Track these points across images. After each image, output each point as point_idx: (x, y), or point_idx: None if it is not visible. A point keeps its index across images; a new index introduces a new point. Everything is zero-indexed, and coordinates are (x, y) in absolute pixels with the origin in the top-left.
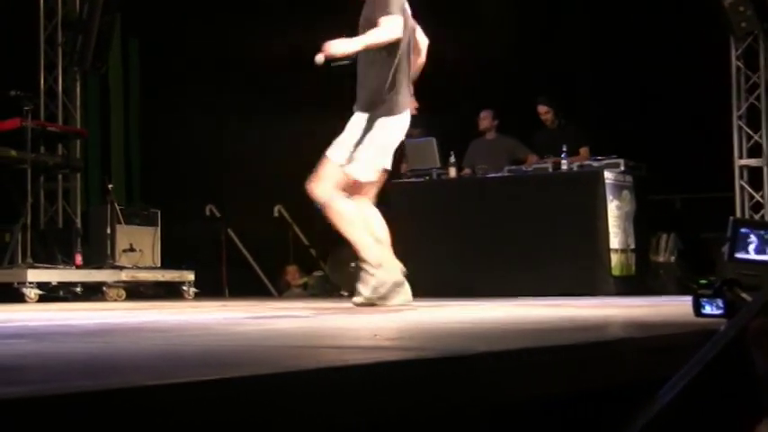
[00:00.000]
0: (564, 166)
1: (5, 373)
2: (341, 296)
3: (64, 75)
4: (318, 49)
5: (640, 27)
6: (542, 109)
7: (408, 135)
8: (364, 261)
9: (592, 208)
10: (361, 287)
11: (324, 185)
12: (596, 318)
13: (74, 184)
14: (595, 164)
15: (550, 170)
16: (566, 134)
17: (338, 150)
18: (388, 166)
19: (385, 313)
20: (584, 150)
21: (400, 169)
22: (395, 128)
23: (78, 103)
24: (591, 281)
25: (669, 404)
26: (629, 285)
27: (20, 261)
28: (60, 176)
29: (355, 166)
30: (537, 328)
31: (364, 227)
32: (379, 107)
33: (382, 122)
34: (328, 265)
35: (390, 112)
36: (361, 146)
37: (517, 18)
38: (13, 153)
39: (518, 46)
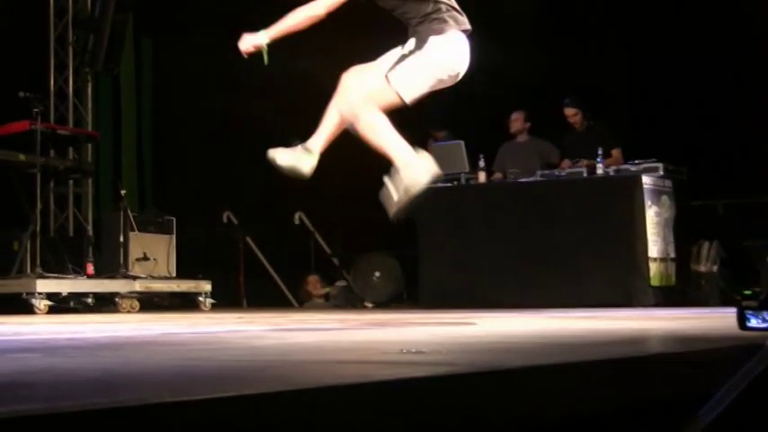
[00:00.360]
0: (599, 170)
1: (15, 389)
2: (365, 307)
3: (75, 75)
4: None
5: (678, 26)
6: (570, 111)
7: (434, 138)
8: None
9: (629, 214)
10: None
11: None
12: (634, 331)
13: (85, 189)
14: (633, 168)
15: (585, 174)
16: (595, 136)
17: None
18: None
19: (412, 327)
20: (616, 152)
21: None
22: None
23: (90, 105)
24: (628, 291)
25: (712, 423)
26: (669, 296)
27: (29, 270)
28: (71, 181)
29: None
30: (571, 342)
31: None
32: None
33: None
34: (352, 275)
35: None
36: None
37: (548, 17)
38: (22, 157)
39: (549, 46)
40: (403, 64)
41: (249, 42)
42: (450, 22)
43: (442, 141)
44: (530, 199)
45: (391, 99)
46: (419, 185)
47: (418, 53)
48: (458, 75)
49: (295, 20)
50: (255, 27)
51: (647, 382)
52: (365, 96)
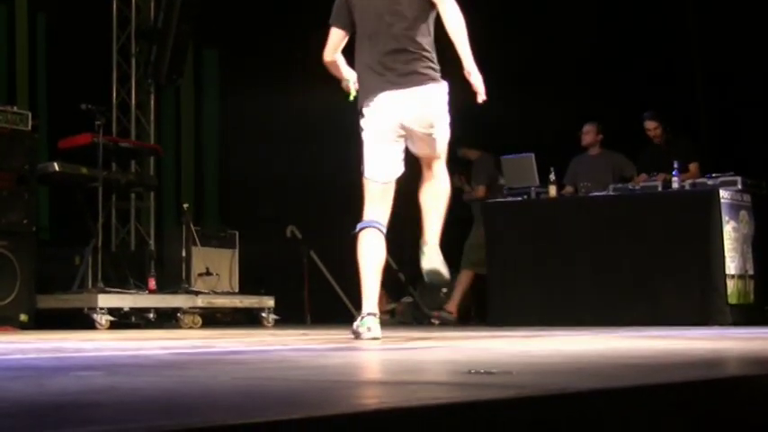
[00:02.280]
0: (675, 184)
1: (81, 410)
2: (432, 324)
3: (137, 87)
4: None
5: (755, 33)
6: (651, 125)
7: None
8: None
9: (706, 230)
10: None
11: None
12: (710, 351)
13: (147, 203)
14: (710, 182)
15: (660, 189)
16: (676, 149)
17: None
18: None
19: (481, 346)
20: (693, 166)
21: None
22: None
23: (152, 118)
24: (704, 310)
25: None
26: (748, 315)
27: (90, 285)
28: (133, 195)
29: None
30: (645, 363)
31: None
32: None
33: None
34: (418, 291)
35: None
36: None
37: (622, 25)
38: (84, 170)
39: (623, 54)
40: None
41: (345, 86)
42: None
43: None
44: (602, 214)
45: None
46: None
47: None
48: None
49: (334, 70)
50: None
51: (725, 407)
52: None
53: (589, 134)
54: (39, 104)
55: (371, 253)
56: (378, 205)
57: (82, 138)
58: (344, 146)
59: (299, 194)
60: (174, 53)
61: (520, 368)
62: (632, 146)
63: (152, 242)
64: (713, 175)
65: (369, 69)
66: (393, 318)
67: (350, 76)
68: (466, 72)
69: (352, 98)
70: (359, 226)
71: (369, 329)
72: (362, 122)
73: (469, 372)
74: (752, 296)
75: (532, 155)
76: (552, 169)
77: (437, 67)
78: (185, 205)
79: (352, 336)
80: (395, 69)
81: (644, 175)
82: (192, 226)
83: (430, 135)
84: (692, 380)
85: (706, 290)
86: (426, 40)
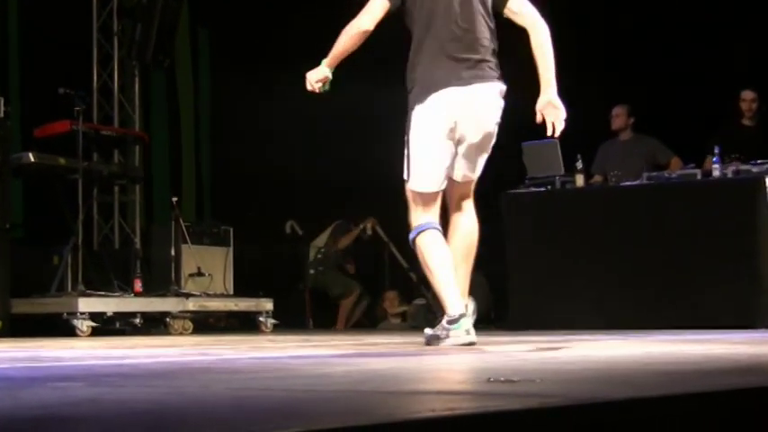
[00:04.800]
0: (716, 171)
1: (61, 424)
2: None
3: (120, 69)
4: None
5: None
6: (748, 95)
7: None
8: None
9: (751, 222)
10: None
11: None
12: (754, 357)
13: (132, 197)
14: (755, 169)
15: (699, 177)
16: (765, 132)
17: None
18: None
19: (501, 352)
20: None
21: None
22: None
23: (137, 103)
24: (749, 311)
25: None
26: None
27: (70, 288)
28: (117, 188)
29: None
30: (683, 370)
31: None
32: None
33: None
34: (432, 292)
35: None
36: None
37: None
38: (62, 161)
39: (656, 31)
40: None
41: (314, 78)
42: None
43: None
44: (634, 205)
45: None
46: None
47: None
48: None
49: (346, 42)
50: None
51: None
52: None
53: (619, 117)
54: (11, 89)
55: (441, 250)
56: (431, 209)
57: (59, 125)
58: (348, 133)
59: (299, 186)
60: (161, 32)
61: (544, 376)
62: (667, 130)
63: (138, 240)
64: (758, 161)
65: (430, 59)
66: (404, 321)
67: (330, 73)
68: (544, 102)
69: (324, 90)
70: (415, 231)
71: (467, 332)
72: (413, 120)
73: (488, 380)
74: None
75: (557, 140)
76: (579, 156)
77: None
78: (174, 199)
79: (428, 343)
80: (462, 62)
81: (680, 161)
82: (181, 222)
83: (481, 148)
84: (734, 388)
85: (751, 289)
86: (492, 35)
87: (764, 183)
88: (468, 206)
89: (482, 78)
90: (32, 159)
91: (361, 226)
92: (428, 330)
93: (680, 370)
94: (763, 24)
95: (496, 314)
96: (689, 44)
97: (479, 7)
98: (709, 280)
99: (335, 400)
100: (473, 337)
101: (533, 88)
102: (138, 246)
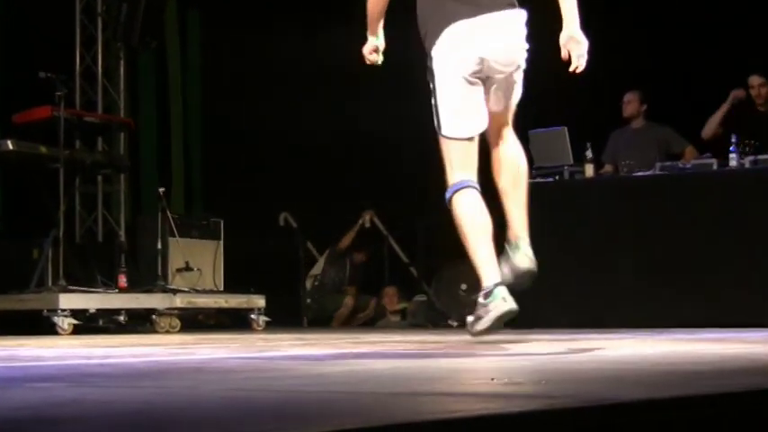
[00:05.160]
0: (733, 161)
1: (41, 426)
2: (449, 327)
3: (105, 52)
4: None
5: None
6: (755, 80)
7: None
8: None
9: None
10: None
11: None
12: None
13: (117, 187)
14: None
15: (715, 167)
16: None
17: None
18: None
19: (506, 351)
20: None
21: None
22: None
23: (123, 87)
24: (766, 308)
25: None
26: None
27: (50, 283)
28: (100, 178)
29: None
30: (697, 370)
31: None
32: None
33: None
34: (433, 288)
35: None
36: None
37: None
38: (43, 149)
39: (672, 13)
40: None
41: (366, 52)
42: None
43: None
44: (647, 197)
45: None
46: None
47: None
48: None
49: (377, 10)
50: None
51: None
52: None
53: (631, 104)
54: None
55: (478, 214)
56: (467, 164)
57: (40, 111)
58: (348, 118)
59: (294, 177)
60: (148, 12)
61: (551, 376)
62: (682, 117)
63: (122, 233)
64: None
65: None
66: (404, 319)
67: (380, 38)
68: (567, 37)
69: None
70: (451, 189)
71: (504, 300)
72: (433, 65)
73: (492, 381)
74: None
75: (565, 128)
76: (588, 145)
77: None
78: (161, 189)
79: (473, 329)
80: None
81: (695, 151)
82: (169, 213)
83: (511, 77)
84: (750, 389)
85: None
86: None
87: None
88: (508, 134)
89: (499, 5)
90: (11, 147)
91: (360, 221)
92: (469, 318)
93: (693, 370)
94: None
95: None
96: (706, 27)
97: None
98: (725, 276)
99: (331, 401)
100: (511, 303)
101: (541, 73)
102: (122, 239)
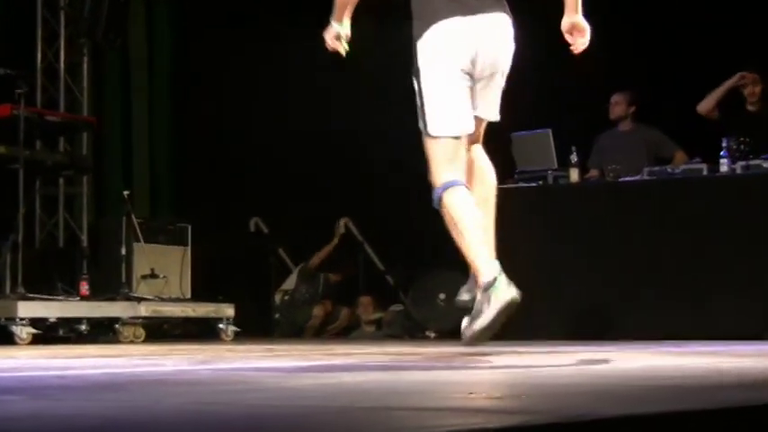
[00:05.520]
0: (724, 166)
1: None
2: (426, 338)
3: (68, 48)
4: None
5: None
6: (750, 78)
7: None
8: None
9: (762, 222)
10: None
11: None
12: (764, 372)
13: (79, 189)
14: (766, 164)
15: (705, 172)
16: None
17: None
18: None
19: (485, 364)
20: None
21: None
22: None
23: (86, 85)
24: (762, 320)
25: None
26: None
27: (8, 290)
28: (62, 180)
29: None
30: (683, 385)
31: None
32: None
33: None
34: (410, 297)
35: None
36: None
37: None
38: (2, 149)
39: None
40: None
41: (327, 39)
42: None
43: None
44: (634, 202)
45: None
46: None
47: None
48: None
49: None
50: None
51: None
52: None
53: (619, 105)
54: None
55: (472, 209)
56: (455, 164)
57: None
58: (322, 119)
59: (265, 180)
60: (113, 6)
61: (531, 390)
62: (671, 120)
63: (85, 237)
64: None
65: None
66: (380, 329)
67: (344, 26)
68: (569, 24)
69: (345, 52)
70: (440, 189)
71: (508, 286)
72: (419, 61)
73: (469, 395)
74: None
75: (549, 131)
76: (574, 148)
77: None
78: (126, 192)
79: (470, 329)
80: None
81: (685, 155)
82: (134, 217)
83: (495, 82)
84: (739, 405)
85: (760, 296)
86: None
87: None
88: (478, 150)
89: (489, 7)
90: None
91: (334, 240)
92: (465, 321)
93: (680, 385)
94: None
95: None
96: (696, 27)
97: None
98: (715, 286)
99: (302, 416)
100: (515, 290)
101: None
102: (85, 244)
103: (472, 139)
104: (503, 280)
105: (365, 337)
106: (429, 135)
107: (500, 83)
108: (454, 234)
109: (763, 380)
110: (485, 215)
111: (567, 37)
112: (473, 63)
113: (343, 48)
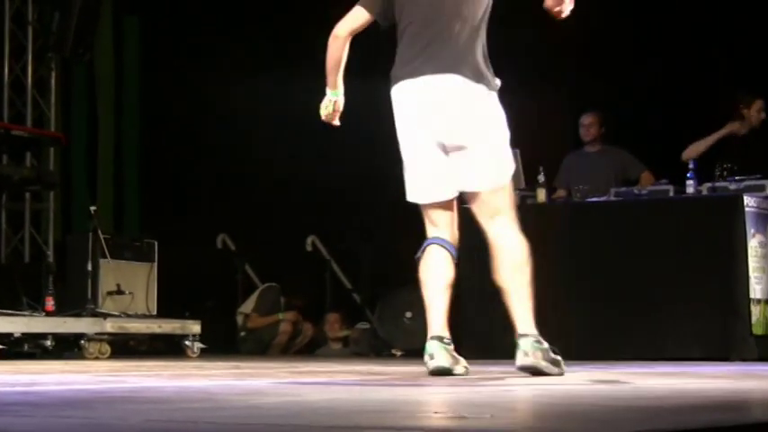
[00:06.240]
0: (690, 188)
1: None
2: (393, 356)
3: (35, 62)
4: None
5: None
6: (758, 104)
7: None
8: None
9: (726, 245)
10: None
11: None
12: (728, 393)
13: (46, 204)
14: (732, 186)
15: (671, 194)
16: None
17: None
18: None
19: (452, 383)
20: None
21: None
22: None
23: (53, 100)
24: (724, 341)
25: None
26: None
27: None
28: (28, 195)
29: None
30: (646, 406)
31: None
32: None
33: None
34: (377, 315)
35: None
36: None
37: None
38: None
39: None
40: None
41: (322, 112)
42: None
43: None
44: (601, 224)
45: None
46: None
47: None
48: None
49: (334, 59)
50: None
51: None
52: None
53: (593, 126)
54: None
55: (434, 269)
56: (438, 224)
57: None
58: (289, 141)
59: (233, 196)
60: (82, 20)
61: (498, 410)
62: (640, 142)
63: (51, 253)
64: (736, 177)
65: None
66: (346, 347)
67: (339, 93)
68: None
69: (336, 124)
70: (421, 247)
71: (431, 357)
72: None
73: (435, 414)
74: None
75: (517, 151)
76: (541, 168)
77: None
78: (93, 208)
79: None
80: (440, 53)
81: (652, 177)
82: (100, 233)
83: (474, 155)
84: (705, 426)
85: (726, 318)
86: (484, 47)
87: (743, 201)
88: (501, 222)
89: (435, 69)
90: None
91: (279, 316)
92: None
93: (646, 406)
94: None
95: (449, 341)
96: (664, 50)
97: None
98: (680, 307)
99: None
100: (438, 361)
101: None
102: (50, 259)
103: (488, 212)
104: (431, 347)
105: (332, 355)
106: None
107: (482, 153)
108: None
109: (728, 401)
110: (513, 295)
111: (552, 4)
112: (428, 130)
113: (336, 121)
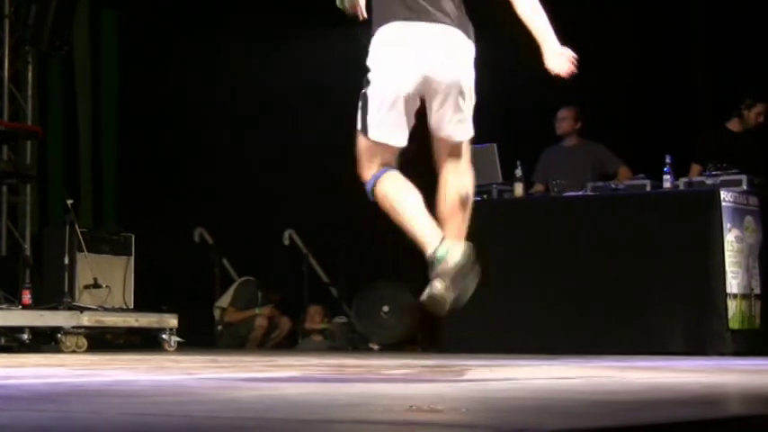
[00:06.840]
0: (667, 183)
1: None
2: (370, 350)
3: (12, 56)
4: None
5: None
6: (760, 107)
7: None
8: None
9: (703, 239)
10: None
11: None
12: (704, 387)
13: (23, 198)
14: (709, 181)
15: (648, 188)
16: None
17: None
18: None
19: (427, 377)
20: None
21: None
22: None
23: (30, 93)
24: (700, 336)
25: None
26: (752, 343)
27: None
28: (5, 188)
29: None
30: (625, 400)
31: None
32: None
33: None
34: (354, 310)
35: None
36: None
37: None
38: None
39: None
40: None
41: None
42: None
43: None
44: (578, 218)
45: None
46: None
47: None
48: None
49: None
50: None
51: None
52: None
53: (565, 121)
54: None
55: (406, 189)
56: (387, 162)
57: None
58: (267, 129)
59: (211, 190)
60: (59, 14)
61: (472, 404)
62: (617, 137)
63: (28, 246)
64: (713, 172)
65: None
66: (324, 340)
67: None
68: (555, 55)
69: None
70: (371, 180)
71: (453, 249)
72: (369, 61)
73: (410, 408)
74: (757, 320)
75: (494, 145)
76: (519, 163)
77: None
78: (70, 201)
79: (428, 291)
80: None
81: (629, 171)
82: (77, 227)
83: (453, 97)
84: (681, 420)
85: (702, 312)
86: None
87: (719, 196)
88: (457, 165)
89: (443, 19)
90: None
91: (256, 311)
92: (424, 294)
93: (622, 400)
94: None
95: (425, 335)
96: (644, 45)
97: None
98: (656, 302)
99: (241, 428)
100: (459, 255)
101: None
102: (27, 253)
103: (447, 150)
104: (446, 245)
105: (311, 348)
106: (363, 134)
107: (457, 102)
108: (395, 219)
109: (702, 395)
110: (458, 220)
111: (555, 68)
112: (420, 77)
113: (361, 13)
